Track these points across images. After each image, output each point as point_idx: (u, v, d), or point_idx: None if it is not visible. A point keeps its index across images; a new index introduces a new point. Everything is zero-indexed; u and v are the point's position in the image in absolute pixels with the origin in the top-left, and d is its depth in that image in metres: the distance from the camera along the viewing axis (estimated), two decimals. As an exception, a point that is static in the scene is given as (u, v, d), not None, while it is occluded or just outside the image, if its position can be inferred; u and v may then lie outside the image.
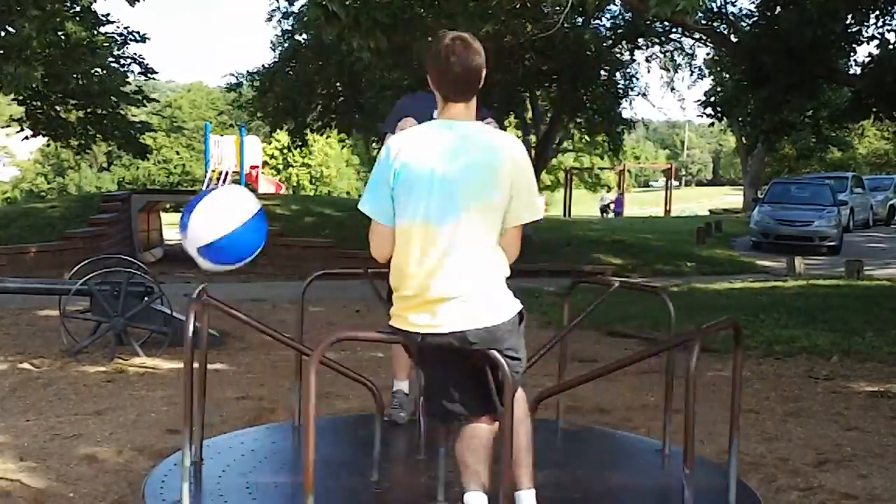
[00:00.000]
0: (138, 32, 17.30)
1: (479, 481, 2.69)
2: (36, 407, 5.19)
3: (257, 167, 27.29)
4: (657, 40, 16.93)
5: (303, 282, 4.24)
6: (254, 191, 24.38)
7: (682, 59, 21.28)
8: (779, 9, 11.31)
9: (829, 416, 5.18)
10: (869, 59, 11.60)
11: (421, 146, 2.64)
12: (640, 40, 16.86)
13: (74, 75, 15.75)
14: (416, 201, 2.59)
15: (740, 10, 30.69)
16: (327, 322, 8.53)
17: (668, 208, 34.66)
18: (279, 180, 37.63)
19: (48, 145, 21.81)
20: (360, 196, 4.45)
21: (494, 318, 2.61)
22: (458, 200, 2.58)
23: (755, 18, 12.48)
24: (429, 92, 4.21)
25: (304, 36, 15.20)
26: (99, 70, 16.51)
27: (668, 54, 19.97)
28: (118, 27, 17.28)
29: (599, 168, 36.44)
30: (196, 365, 3.29)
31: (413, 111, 4.05)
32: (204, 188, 23.80)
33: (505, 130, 19.61)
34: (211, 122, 34.47)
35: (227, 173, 24.34)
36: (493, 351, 2.54)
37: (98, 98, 16.51)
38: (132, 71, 17.68)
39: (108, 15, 16.63)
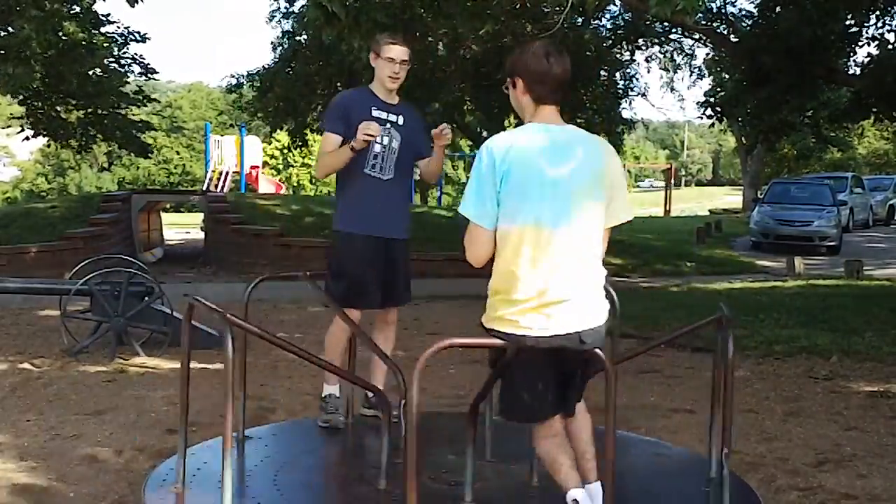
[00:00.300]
0: (138, 32, 17.32)
1: (577, 476, 2.76)
2: (36, 407, 5.20)
3: (258, 167, 27.25)
4: (657, 40, 16.94)
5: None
6: (254, 190, 24.29)
7: (682, 59, 21.33)
8: (779, 9, 11.30)
9: (828, 416, 5.18)
10: (868, 59, 11.60)
11: (526, 149, 2.67)
12: (640, 40, 16.87)
13: (74, 76, 15.75)
14: (528, 204, 2.62)
15: (740, 10, 30.71)
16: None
17: (667, 208, 34.66)
18: (279, 180, 37.62)
19: (48, 146, 21.82)
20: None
21: (599, 318, 2.71)
22: (571, 202, 2.64)
23: (755, 18, 12.48)
24: (361, 88, 4.25)
25: (304, 36, 15.20)
26: (97, 71, 16.50)
27: (667, 54, 20.01)
28: (119, 27, 17.30)
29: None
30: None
31: (356, 107, 4.05)
32: (203, 188, 23.75)
33: (485, 133, 19.36)
34: (211, 122, 34.49)
35: (227, 173, 24.30)
36: (598, 350, 2.63)
37: (97, 98, 16.51)
38: (132, 71, 17.68)
39: (108, 15, 16.64)
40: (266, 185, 27.38)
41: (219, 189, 22.52)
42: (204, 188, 23.49)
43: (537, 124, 2.76)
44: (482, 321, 2.77)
